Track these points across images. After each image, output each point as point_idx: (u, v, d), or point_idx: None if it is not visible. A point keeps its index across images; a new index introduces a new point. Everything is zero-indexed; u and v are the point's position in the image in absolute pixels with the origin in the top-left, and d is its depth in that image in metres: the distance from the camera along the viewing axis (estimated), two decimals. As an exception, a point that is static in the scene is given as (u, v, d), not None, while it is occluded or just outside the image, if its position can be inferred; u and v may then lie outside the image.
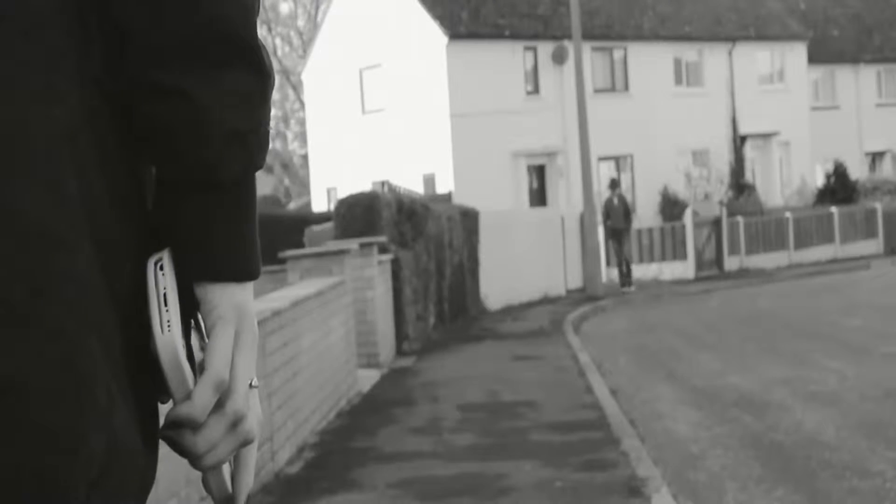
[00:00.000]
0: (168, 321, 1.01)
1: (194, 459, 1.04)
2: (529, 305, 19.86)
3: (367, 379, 10.49)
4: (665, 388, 9.69)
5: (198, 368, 1.04)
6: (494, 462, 6.52)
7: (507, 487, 5.86)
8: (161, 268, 1.03)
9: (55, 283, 0.92)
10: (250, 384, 1.06)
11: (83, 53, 0.99)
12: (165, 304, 1.02)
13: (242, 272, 1.06)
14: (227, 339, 1.04)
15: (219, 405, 1.03)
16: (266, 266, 16.91)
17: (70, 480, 0.92)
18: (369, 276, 11.21)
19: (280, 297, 7.49)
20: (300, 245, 15.01)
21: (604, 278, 22.23)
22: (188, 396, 1.01)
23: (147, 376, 1.03)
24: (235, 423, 1.04)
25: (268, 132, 1.07)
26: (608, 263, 24.68)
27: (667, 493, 5.56)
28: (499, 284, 19.75)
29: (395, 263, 12.88)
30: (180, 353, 1.01)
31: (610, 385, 9.66)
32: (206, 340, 1.05)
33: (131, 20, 0.99)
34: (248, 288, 1.07)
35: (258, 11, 1.05)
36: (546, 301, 20.62)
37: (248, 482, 1.09)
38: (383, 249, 12.40)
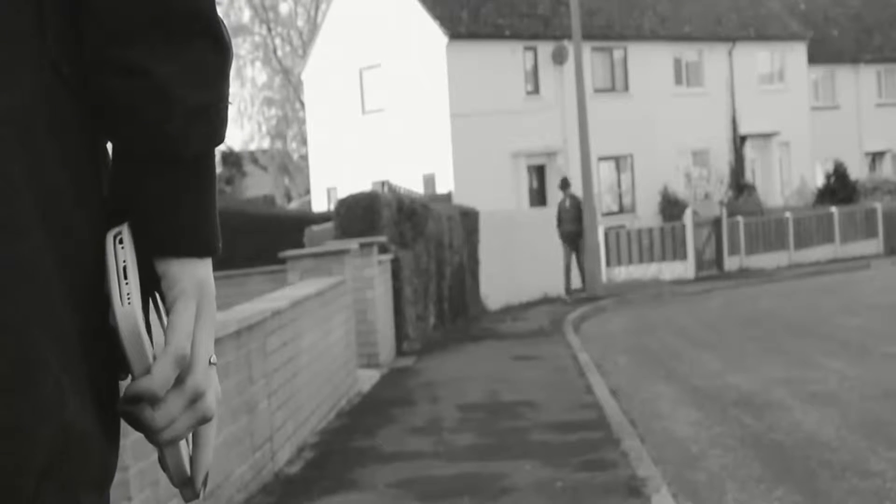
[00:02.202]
0: (128, 294, 1.00)
1: (152, 435, 1.03)
2: (529, 305, 19.86)
3: (367, 379, 10.49)
4: (665, 387, 9.69)
5: (156, 343, 1.04)
6: (494, 462, 6.52)
7: (507, 487, 5.86)
8: (120, 241, 1.03)
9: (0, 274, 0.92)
10: (209, 361, 1.06)
11: (38, 35, 0.98)
12: (125, 277, 1.01)
13: (204, 247, 1.06)
14: (189, 314, 1.04)
15: (178, 380, 1.03)
16: (266, 266, 16.93)
17: (17, 472, 0.92)
18: (369, 276, 11.21)
19: (280, 297, 7.49)
20: (300, 245, 15.01)
21: (604, 278, 22.22)
22: (148, 371, 1.01)
23: (107, 360, 1.02)
24: (195, 399, 1.04)
25: (227, 107, 1.07)
26: (609, 263, 24.73)
27: (667, 493, 5.56)
28: (499, 284, 19.75)
29: (395, 263, 12.88)
30: (140, 326, 1.00)
31: (610, 385, 9.66)
32: (166, 317, 1.05)
33: None
34: (208, 264, 1.07)
35: None
36: (546, 301, 20.61)
37: (207, 461, 1.09)
38: (383, 249, 12.40)
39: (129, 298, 1.00)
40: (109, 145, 1.07)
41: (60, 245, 0.98)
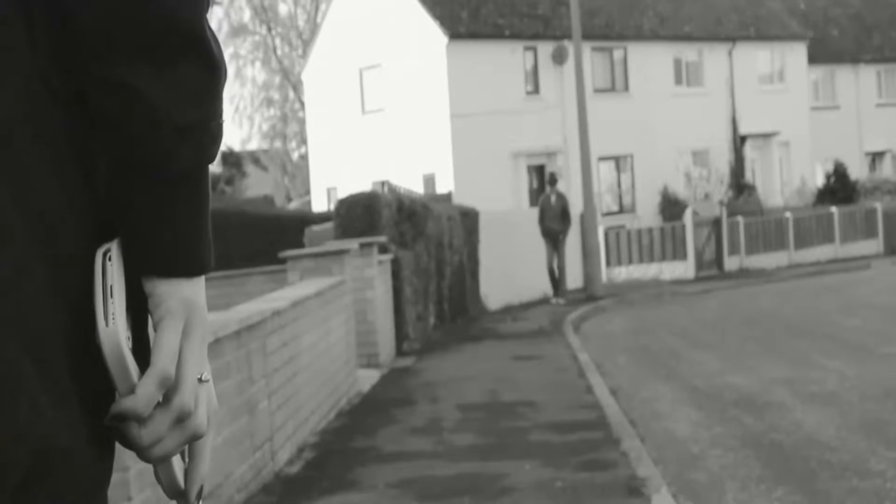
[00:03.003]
0: (113, 313, 1.00)
1: (140, 452, 1.04)
2: (529, 305, 19.85)
3: (367, 379, 10.49)
4: (665, 387, 9.69)
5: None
6: (494, 462, 6.52)
7: (507, 487, 5.86)
8: (109, 258, 1.02)
9: None
10: (200, 378, 1.06)
11: (28, 48, 0.98)
12: (111, 296, 1.01)
13: (191, 267, 1.06)
14: (174, 335, 1.04)
15: (165, 399, 1.03)
16: (266, 266, 16.92)
17: None
18: (369, 276, 11.21)
19: (280, 297, 7.49)
20: (300, 245, 15.01)
21: (604, 278, 22.21)
22: (132, 390, 1.01)
23: (100, 370, 1.02)
24: (182, 418, 1.04)
25: (220, 125, 1.06)
26: (609, 264, 24.73)
27: (667, 493, 5.56)
28: (499, 284, 19.74)
29: (395, 263, 12.88)
30: (123, 346, 1.00)
31: (610, 385, 9.66)
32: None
33: (80, 13, 0.99)
34: (199, 281, 1.07)
35: (210, 4, 1.05)
36: (546, 301, 20.60)
37: (202, 474, 1.09)
38: (383, 249, 12.40)
39: (113, 318, 1.00)
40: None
41: (48, 258, 0.97)
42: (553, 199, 19.35)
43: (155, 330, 1.05)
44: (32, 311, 0.95)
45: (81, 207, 1.02)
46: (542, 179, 30.32)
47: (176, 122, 1.01)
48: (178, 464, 1.08)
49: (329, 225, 14.85)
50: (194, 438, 1.06)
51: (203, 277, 1.08)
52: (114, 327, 1.00)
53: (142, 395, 1.01)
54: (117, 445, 1.06)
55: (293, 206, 40.27)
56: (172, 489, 1.08)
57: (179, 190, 1.04)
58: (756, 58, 34.85)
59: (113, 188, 1.04)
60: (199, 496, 1.09)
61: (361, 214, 12.54)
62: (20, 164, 0.96)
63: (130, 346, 1.02)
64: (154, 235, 1.04)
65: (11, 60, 0.97)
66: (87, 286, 1.01)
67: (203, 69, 1.03)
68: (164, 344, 1.03)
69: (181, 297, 1.05)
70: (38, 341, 0.95)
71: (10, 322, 0.93)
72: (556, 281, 19.49)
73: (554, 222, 19.18)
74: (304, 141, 43.48)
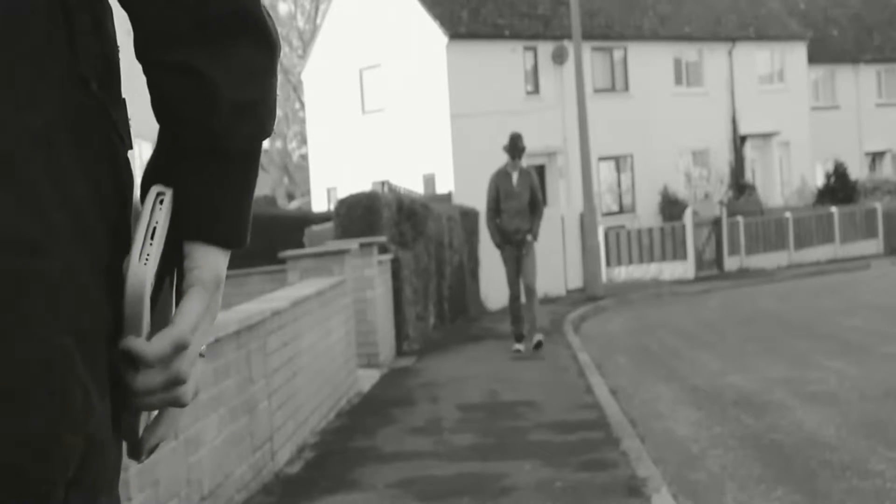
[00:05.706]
0: (148, 254, 1.02)
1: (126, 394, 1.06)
2: (529, 305, 19.83)
3: (367, 379, 10.49)
4: (665, 387, 9.69)
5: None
6: (494, 462, 6.52)
7: (507, 487, 5.86)
8: (161, 202, 1.04)
9: (27, 289, 0.92)
10: (199, 352, 1.09)
11: (68, 51, 0.99)
12: (151, 239, 1.03)
13: (234, 239, 1.09)
14: (201, 304, 1.06)
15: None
16: (266, 266, 16.92)
17: (47, 483, 0.93)
18: (369, 276, 11.21)
19: (280, 297, 7.49)
20: (300, 245, 15.02)
21: (604, 278, 22.22)
22: (137, 335, 1.02)
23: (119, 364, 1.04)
24: (175, 383, 1.05)
25: (275, 101, 1.10)
26: (609, 263, 24.73)
27: (667, 493, 5.56)
28: (499, 284, 19.70)
29: (395, 263, 12.88)
30: (146, 289, 1.01)
31: (610, 385, 9.66)
32: (174, 299, 1.07)
33: (139, 1, 1.02)
34: (227, 258, 1.10)
35: None
36: (546, 301, 20.60)
37: (163, 436, 1.11)
38: (383, 249, 12.40)
39: (147, 258, 1.02)
40: (130, 153, 1.09)
41: (88, 257, 0.99)
42: (515, 178, 11.84)
43: (183, 293, 1.07)
44: (80, 307, 0.97)
45: (112, 208, 1.04)
46: (542, 179, 30.27)
47: (236, 102, 1.04)
48: (143, 417, 1.11)
49: (329, 225, 14.86)
50: (176, 405, 1.08)
51: (230, 254, 1.11)
52: (144, 267, 1.01)
53: (156, 348, 1.03)
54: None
55: (293, 206, 40.27)
56: (132, 438, 1.10)
57: (237, 165, 1.07)
58: (756, 58, 34.85)
59: (168, 157, 1.07)
60: (150, 452, 1.11)
61: (361, 214, 12.54)
62: (61, 165, 0.97)
63: (151, 292, 1.03)
64: (208, 205, 1.06)
65: (55, 64, 0.98)
66: (115, 283, 1.03)
67: (258, 48, 1.06)
68: (191, 311, 1.05)
69: (215, 268, 1.08)
70: (85, 335, 0.97)
71: (64, 316, 0.95)
72: (520, 318, 12.12)
73: (517, 218, 11.78)
74: (304, 141, 43.47)
